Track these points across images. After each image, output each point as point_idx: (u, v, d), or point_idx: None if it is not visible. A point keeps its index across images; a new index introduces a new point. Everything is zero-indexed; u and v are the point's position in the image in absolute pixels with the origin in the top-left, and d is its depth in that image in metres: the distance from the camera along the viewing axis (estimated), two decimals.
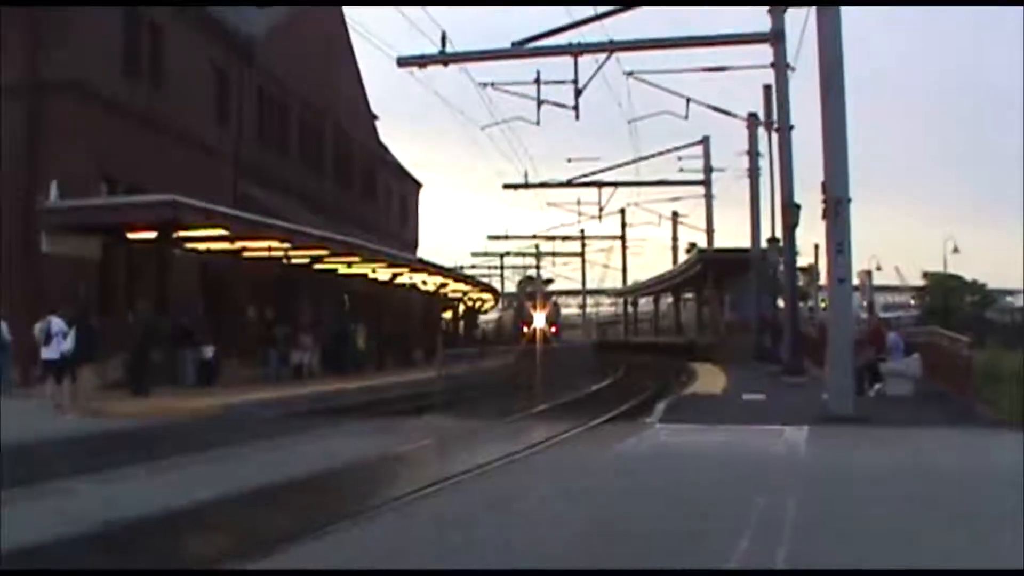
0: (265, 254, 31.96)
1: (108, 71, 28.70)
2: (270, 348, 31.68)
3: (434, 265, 47.38)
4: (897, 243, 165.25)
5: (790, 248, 32.27)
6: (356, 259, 36.52)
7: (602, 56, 30.72)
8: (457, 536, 8.52)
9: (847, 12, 19.19)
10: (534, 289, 66.66)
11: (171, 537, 9.14)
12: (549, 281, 75.61)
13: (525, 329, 53.16)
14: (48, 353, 21.31)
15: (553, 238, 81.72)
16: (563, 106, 33.60)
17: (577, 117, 33.28)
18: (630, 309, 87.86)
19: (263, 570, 5.48)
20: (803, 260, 51.06)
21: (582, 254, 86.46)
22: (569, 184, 54.85)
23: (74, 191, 26.20)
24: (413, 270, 43.50)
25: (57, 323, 21.34)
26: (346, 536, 8.64)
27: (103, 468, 12.58)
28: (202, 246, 29.62)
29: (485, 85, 34.36)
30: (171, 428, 18.85)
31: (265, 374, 30.36)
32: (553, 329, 59.01)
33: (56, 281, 25.40)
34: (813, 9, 19.52)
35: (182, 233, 27.54)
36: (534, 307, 53.26)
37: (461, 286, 56.01)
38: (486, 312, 76.36)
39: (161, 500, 10.26)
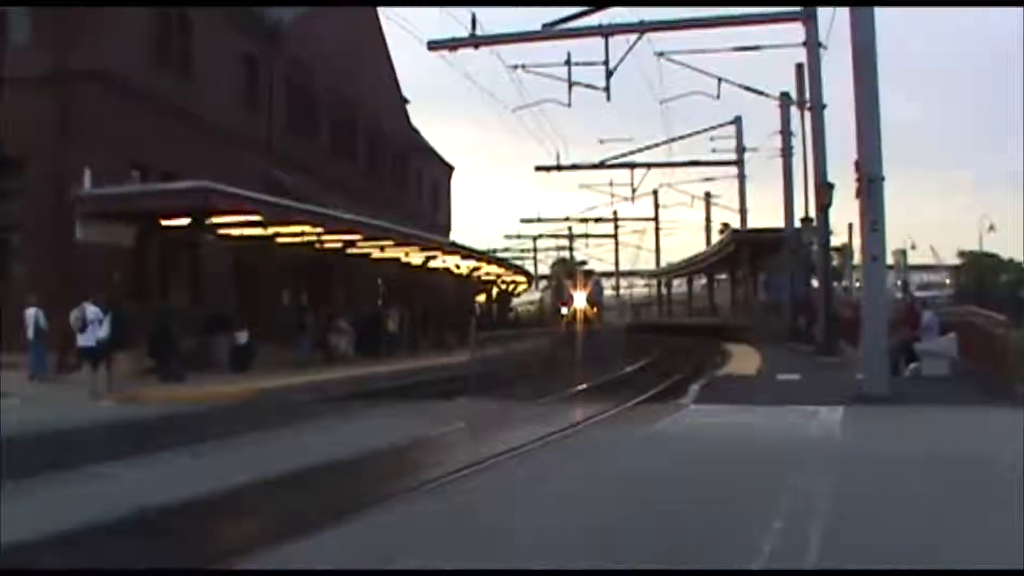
0: (298, 239, 32.05)
1: (137, 61, 28.84)
2: (303, 333, 31.81)
3: (466, 248, 47.40)
4: (932, 222, 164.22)
5: (824, 227, 32.07)
6: (389, 243, 36.57)
7: (633, 37, 30.62)
8: (491, 519, 8.52)
9: None
10: (573, 268, 63.12)
11: (206, 521, 9.20)
12: (583, 263, 71.86)
13: (564, 310, 52.33)
14: (84, 340, 21.49)
15: (586, 220, 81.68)
16: (594, 88, 33.55)
17: (608, 98, 33.24)
18: (664, 290, 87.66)
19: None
20: (837, 239, 50.89)
21: (615, 236, 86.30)
22: (601, 166, 54.59)
23: (106, 179, 26.35)
24: (445, 253, 43.51)
25: (92, 310, 21.51)
26: (381, 519, 8.67)
27: (139, 453, 12.69)
28: (235, 232, 29.72)
29: (516, 67, 34.23)
30: (206, 413, 18.98)
31: (297, 358, 30.50)
32: (595, 309, 56.48)
33: (90, 269, 25.57)
34: None
35: (215, 219, 27.65)
36: (573, 286, 52.54)
37: (494, 269, 55.93)
38: (519, 295, 76.03)
39: (197, 485, 10.32)
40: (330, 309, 34.01)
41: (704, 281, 73.03)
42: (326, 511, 8.75)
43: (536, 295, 78.98)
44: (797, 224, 38.88)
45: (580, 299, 51.68)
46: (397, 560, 6.83)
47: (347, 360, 32.19)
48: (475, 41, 29.76)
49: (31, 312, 23.92)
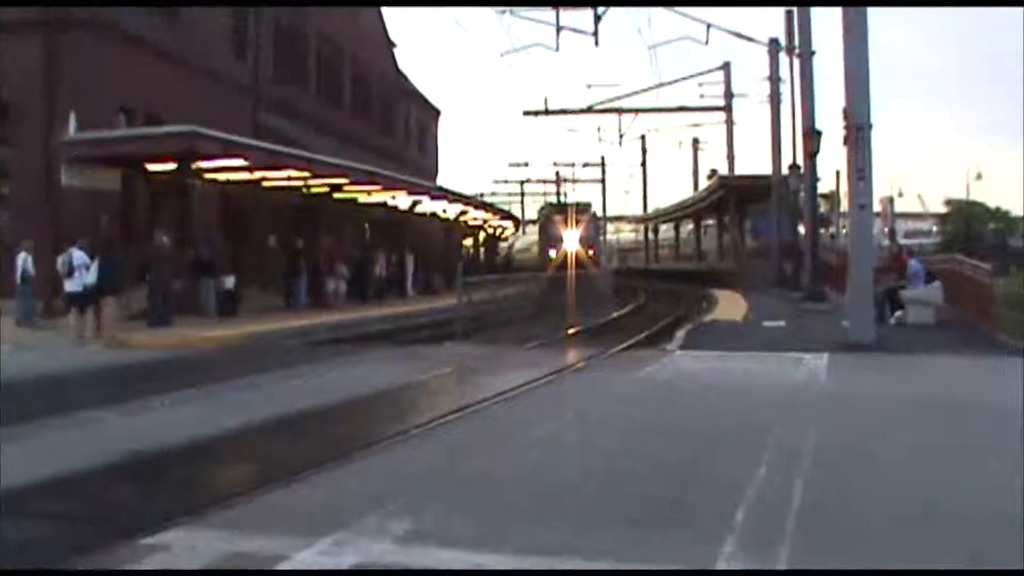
0: (285, 184, 31.95)
1: (124, 4, 28.55)
2: (297, 277, 31.76)
3: (453, 193, 47.23)
4: (919, 169, 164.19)
5: (811, 174, 32.12)
6: (375, 187, 36.44)
7: None
8: (479, 462, 8.59)
9: None
10: (563, 206, 59.76)
11: (197, 465, 9.25)
12: (587, 205, 63.97)
13: (553, 254, 49.95)
14: (71, 285, 21.50)
15: (573, 164, 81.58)
16: (582, 32, 33.39)
17: (597, 43, 33.09)
18: (651, 236, 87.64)
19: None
20: (824, 187, 50.93)
21: (603, 181, 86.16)
22: (589, 111, 54.53)
23: (92, 123, 26.19)
24: (433, 198, 43.37)
25: (79, 255, 21.50)
26: (368, 463, 8.75)
27: (128, 399, 12.70)
28: (222, 177, 29.61)
29: (503, 11, 34.06)
30: (195, 358, 19.02)
31: (292, 303, 30.56)
32: (591, 251, 53.62)
33: (77, 214, 25.52)
34: None
35: (202, 164, 27.52)
36: (565, 226, 50.59)
37: (481, 214, 55.76)
38: (506, 239, 75.66)
39: (187, 429, 10.36)
40: (330, 253, 33.94)
41: (692, 227, 72.97)
42: (315, 456, 8.80)
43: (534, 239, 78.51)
44: (785, 171, 38.91)
45: (572, 239, 49.07)
46: (386, 505, 6.89)
47: (337, 305, 32.19)
48: None
49: (21, 257, 23.88)
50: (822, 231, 45.06)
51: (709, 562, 5.68)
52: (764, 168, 44.70)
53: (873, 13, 18.46)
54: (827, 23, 21.99)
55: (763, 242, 48.17)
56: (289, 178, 31.29)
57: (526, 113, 54.43)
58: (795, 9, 32.91)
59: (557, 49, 34.71)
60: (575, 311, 32.19)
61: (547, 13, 33.59)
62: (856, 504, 7.05)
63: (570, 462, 8.68)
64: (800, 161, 34.11)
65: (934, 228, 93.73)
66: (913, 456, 8.77)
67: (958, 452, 9.00)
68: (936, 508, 6.97)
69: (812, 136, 29.92)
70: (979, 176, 70.89)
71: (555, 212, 58.13)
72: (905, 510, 6.90)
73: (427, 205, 43.60)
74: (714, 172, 63.77)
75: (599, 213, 72.05)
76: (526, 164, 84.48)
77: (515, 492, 7.52)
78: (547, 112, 53.36)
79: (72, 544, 6.21)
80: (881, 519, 6.65)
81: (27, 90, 26.26)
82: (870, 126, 18.08)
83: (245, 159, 27.22)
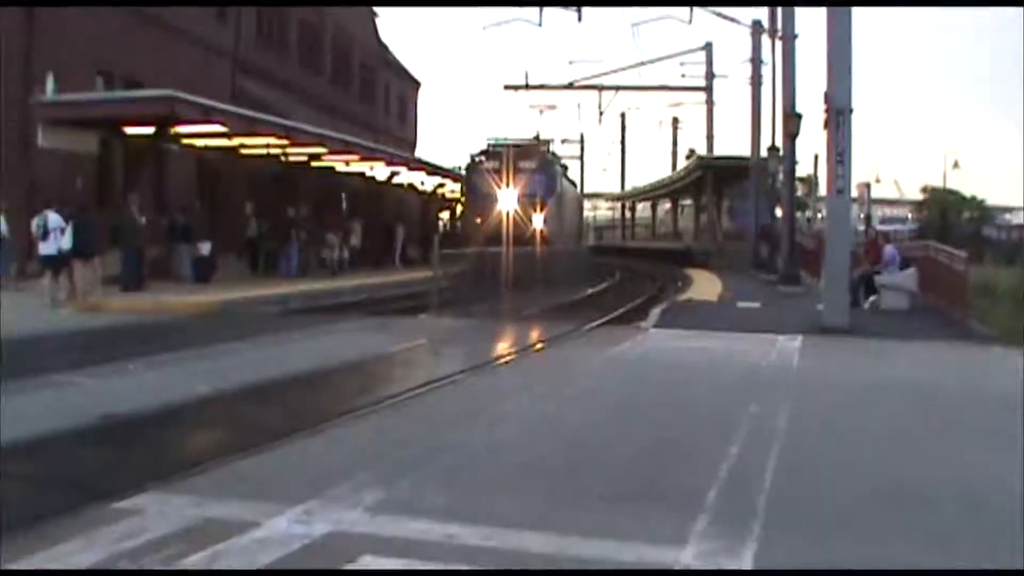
0: (263, 151, 31.81)
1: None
2: (289, 245, 31.74)
3: (431, 164, 47.02)
4: (897, 156, 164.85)
5: (790, 157, 32.14)
6: (354, 157, 36.33)
7: None
8: (451, 435, 8.59)
9: None
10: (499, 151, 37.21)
11: (169, 430, 9.24)
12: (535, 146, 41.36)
13: (479, 222, 35.03)
14: (45, 248, 21.34)
15: (551, 140, 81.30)
16: (565, 5, 33.29)
17: (580, 19, 32.98)
18: (628, 214, 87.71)
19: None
20: (801, 171, 51.02)
21: (581, 158, 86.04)
22: (570, 87, 54.50)
23: (70, 85, 25.97)
24: (410, 169, 43.27)
25: (54, 218, 21.34)
26: (341, 432, 8.75)
27: (101, 363, 12.66)
28: (199, 142, 29.45)
29: None
30: (169, 324, 18.96)
31: (284, 272, 30.57)
32: (541, 216, 35.54)
33: (53, 176, 25.33)
34: None
35: (180, 129, 27.35)
36: (501, 181, 34.49)
37: (459, 186, 55.61)
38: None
39: (159, 395, 10.36)
40: (328, 223, 33.98)
41: (669, 206, 73.09)
42: (285, 425, 8.79)
43: None
44: (764, 153, 38.96)
45: (510, 200, 33.97)
46: (357, 475, 6.89)
47: (342, 273, 32.19)
48: None
49: None
50: (799, 215, 45.15)
51: (681, 538, 5.69)
52: (743, 150, 44.81)
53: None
54: (810, 7, 22.01)
55: (740, 223, 48.26)
56: (267, 146, 31.15)
57: (507, 87, 54.33)
58: None
59: (540, 24, 34.56)
60: (551, 287, 31.73)
61: None
62: (825, 483, 7.13)
63: (542, 434, 8.71)
64: (780, 143, 34.13)
65: (910, 215, 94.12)
66: (883, 436, 8.84)
67: (927, 433, 9.10)
68: (903, 485, 7.07)
69: (792, 118, 29.90)
70: (956, 164, 71.10)
71: (488, 158, 37.37)
72: (872, 487, 6.98)
73: (405, 176, 43.49)
74: (692, 152, 63.87)
75: (564, 161, 49.56)
76: (505, 139, 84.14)
77: (486, 463, 7.55)
78: (528, 87, 53.32)
79: (42, 505, 6.20)
80: (849, 497, 6.73)
81: (5, 51, 25.96)
82: (851, 111, 18.12)
83: (223, 125, 27.07)
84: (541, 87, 54.29)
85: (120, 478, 6.82)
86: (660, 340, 16.87)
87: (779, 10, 32.94)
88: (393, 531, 5.74)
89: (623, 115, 75.13)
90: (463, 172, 39.81)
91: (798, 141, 30.93)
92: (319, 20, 46.19)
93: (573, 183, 50.86)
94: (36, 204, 22.64)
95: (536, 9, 34.43)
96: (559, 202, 38.69)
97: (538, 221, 34.36)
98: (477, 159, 37.56)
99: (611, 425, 9.31)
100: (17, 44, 26.11)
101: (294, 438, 8.24)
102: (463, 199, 40.24)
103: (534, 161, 36.85)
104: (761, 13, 38.07)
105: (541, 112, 59.34)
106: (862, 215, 60.06)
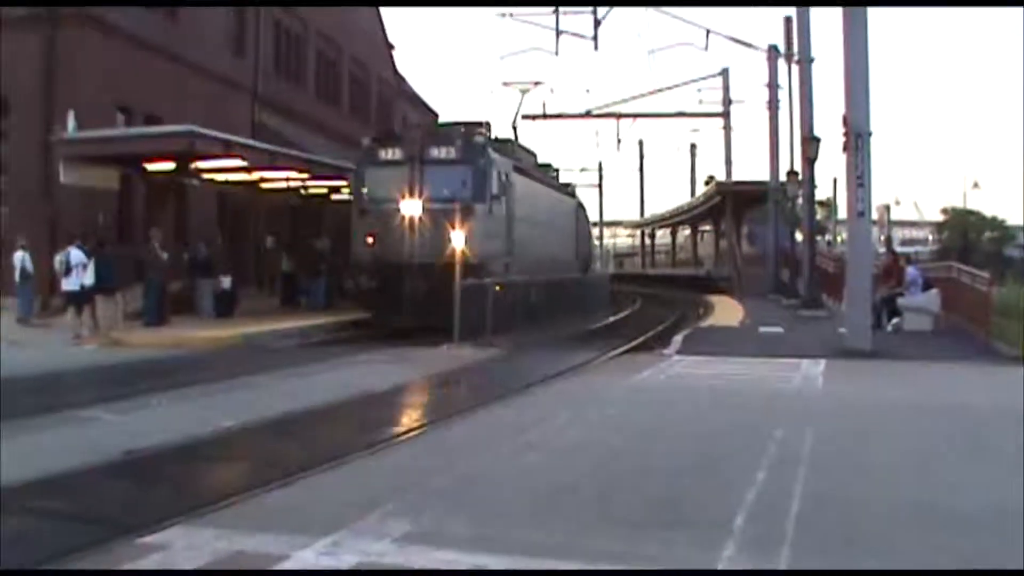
0: (283, 184, 31.91)
1: (124, 4, 28.51)
2: (317, 280, 31.65)
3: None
4: (917, 177, 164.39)
5: (809, 181, 32.09)
6: None
7: None
8: (478, 463, 8.57)
9: None
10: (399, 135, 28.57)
11: (192, 466, 9.24)
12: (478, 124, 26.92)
13: (371, 240, 25.01)
14: (68, 284, 21.49)
15: (570, 169, 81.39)
16: (582, 36, 33.40)
17: (596, 47, 33.05)
18: (647, 241, 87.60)
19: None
20: (819, 194, 50.89)
21: (600, 186, 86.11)
22: (588, 115, 54.49)
23: (91, 122, 26.16)
24: None
25: (76, 254, 21.48)
26: (361, 466, 8.74)
27: (124, 397, 12.70)
28: (220, 177, 29.57)
29: (503, 15, 34.07)
30: (191, 358, 18.99)
31: (310, 305, 30.46)
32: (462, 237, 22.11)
33: (74, 212, 25.47)
34: None
35: (200, 164, 27.49)
36: (407, 188, 24.29)
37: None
38: None
39: (182, 429, 10.35)
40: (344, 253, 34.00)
41: (688, 232, 72.94)
42: (309, 458, 8.79)
43: None
44: (783, 177, 38.90)
45: (414, 207, 24.23)
46: (385, 505, 6.88)
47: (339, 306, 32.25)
48: None
49: (18, 255, 23.83)
50: (819, 238, 45.02)
51: (710, 565, 5.66)
52: (762, 174, 44.69)
53: (873, 21, 18.47)
54: (826, 30, 22.15)
55: (760, 248, 48.11)
56: (288, 179, 31.25)
57: (524, 117, 54.33)
58: (794, 16, 32.92)
59: (556, 53, 34.62)
60: (572, 315, 31.61)
61: (547, 17, 33.64)
62: (854, 506, 7.07)
63: (568, 463, 8.66)
64: (798, 167, 34.09)
65: (930, 236, 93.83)
66: (910, 458, 8.79)
67: (954, 455, 9.04)
68: (932, 508, 7.02)
69: (811, 142, 29.87)
70: (976, 185, 71.09)
71: (384, 145, 26.01)
72: (901, 510, 6.95)
73: None
74: (711, 178, 63.79)
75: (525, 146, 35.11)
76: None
77: (512, 491, 7.52)
78: (545, 116, 53.32)
79: (69, 542, 6.20)
80: (879, 521, 6.68)
81: (26, 87, 26.22)
82: (870, 133, 18.12)
83: (243, 159, 27.17)
84: (558, 116, 54.29)
85: (146, 513, 6.83)
86: (683, 366, 16.80)
87: (795, 34, 32.97)
88: (421, 562, 5.72)
89: (641, 142, 75.19)
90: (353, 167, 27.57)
91: (817, 164, 30.92)
92: (336, 52, 46.44)
93: (572, 193, 42.27)
94: (58, 240, 22.77)
95: (553, 39, 34.38)
96: (502, 210, 26.41)
97: (457, 239, 21.73)
98: (369, 146, 26.28)
99: (637, 451, 9.27)
100: (38, 80, 26.36)
101: (315, 472, 8.25)
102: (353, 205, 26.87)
103: (452, 149, 25.15)
104: (777, 33, 38.06)
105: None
106: (882, 237, 59.95)
